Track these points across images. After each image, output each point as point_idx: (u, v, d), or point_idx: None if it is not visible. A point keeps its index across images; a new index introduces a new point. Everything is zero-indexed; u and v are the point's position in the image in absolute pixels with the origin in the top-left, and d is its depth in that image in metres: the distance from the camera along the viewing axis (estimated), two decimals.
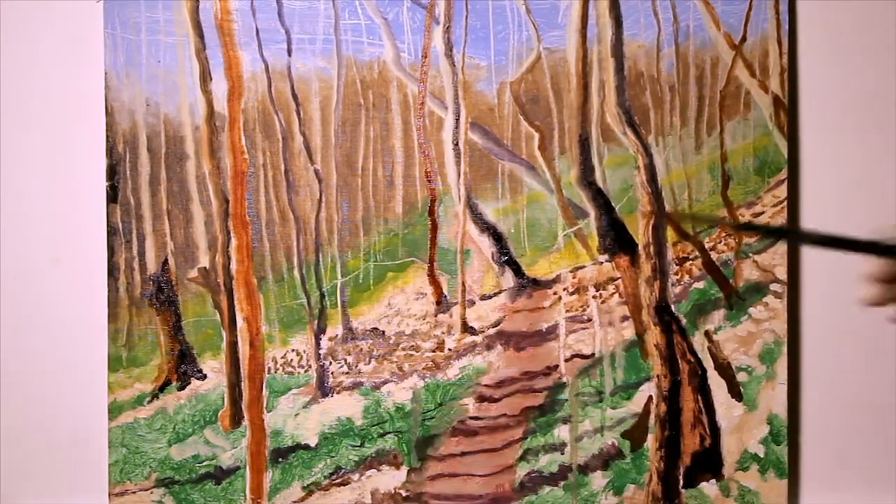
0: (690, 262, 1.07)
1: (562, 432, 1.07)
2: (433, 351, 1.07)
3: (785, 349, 1.06)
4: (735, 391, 1.07)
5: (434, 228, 1.07)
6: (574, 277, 1.07)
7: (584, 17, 1.06)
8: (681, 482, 1.07)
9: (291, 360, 1.07)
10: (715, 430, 1.07)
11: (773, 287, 1.07)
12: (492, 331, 1.08)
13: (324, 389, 1.07)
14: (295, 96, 1.06)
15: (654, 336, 1.07)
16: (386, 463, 1.07)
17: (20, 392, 1.09)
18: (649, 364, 1.07)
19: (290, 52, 1.05)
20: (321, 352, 1.07)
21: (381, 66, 1.06)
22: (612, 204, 1.07)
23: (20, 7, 1.07)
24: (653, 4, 1.06)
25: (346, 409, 1.07)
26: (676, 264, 1.07)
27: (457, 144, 1.07)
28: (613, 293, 1.07)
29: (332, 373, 1.07)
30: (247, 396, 1.07)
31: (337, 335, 1.07)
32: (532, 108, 1.06)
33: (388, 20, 1.05)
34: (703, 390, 1.07)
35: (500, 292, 1.08)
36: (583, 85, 1.06)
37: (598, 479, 1.07)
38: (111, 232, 1.06)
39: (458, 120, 1.06)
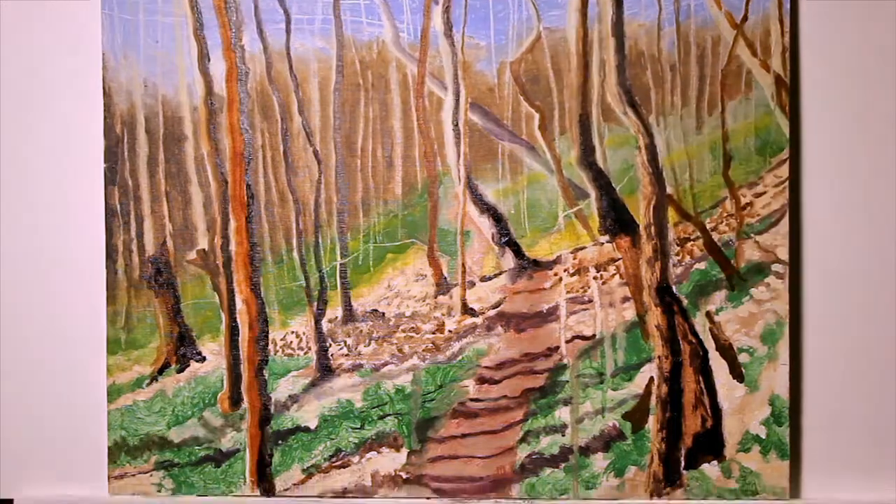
0: (692, 242, 1.07)
1: (562, 414, 1.07)
2: (433, 333, 1.07)
3: (786, 330, 1.06)
4: (736, 372, 1.06)
5: (434, 209, 1.06)
6: (575, 258, 1.07)
7: None
8: (682, 463, 1.07)
9: (291, 342, 1.07)
10: (716, 412, 1.07)
11: (775, 268, 1.06)
12: (492, 312, 1.07)
13: (323, 372, 1.07)
14: (294, 77, 1.05)
15: (655, 317, 1.06)
16: (386, 445, 1.07)
17: (19, 375, 1.09)
18: (650, 345, 1.07)
19: (288, 33, 1.05)
20: (321, 333, 1.07)
21: (380, 46, 1.05)
22: (613, 184, 1.06)
23: None
24: None
25: (346, 392, 1.07)
26: (677, 245, 1.07)
27: (456, 125, 1.06)
28: (614, 274, 1.07)
29: (331, 355, 1.07)
30: (246, 379, 1.06)
31: (337, 317, 1.07)
32: (532, 88, 1.06)
33: (387, 0, 1.05)
34: (704, 371, 1.06)
35: (500, 273, 1.07)
36: (583, 64, 1.06)
37: (599, 461, 1.07)
38: (109, 214, 1.05)
39: (457, 100, 1.06)
